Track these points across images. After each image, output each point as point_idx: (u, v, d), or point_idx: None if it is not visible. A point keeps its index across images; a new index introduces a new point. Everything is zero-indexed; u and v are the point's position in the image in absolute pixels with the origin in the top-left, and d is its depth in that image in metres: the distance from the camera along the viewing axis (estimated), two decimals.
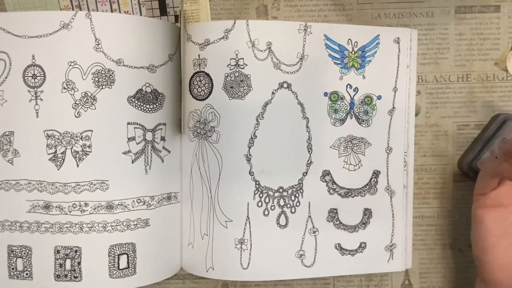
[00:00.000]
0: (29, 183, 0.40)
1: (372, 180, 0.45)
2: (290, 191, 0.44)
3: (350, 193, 0.45)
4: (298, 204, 0.44)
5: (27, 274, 0.40)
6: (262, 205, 0.43)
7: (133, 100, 0.41)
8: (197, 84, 0.43)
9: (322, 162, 0.44)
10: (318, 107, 0.44)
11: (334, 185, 0.45)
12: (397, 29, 0.45)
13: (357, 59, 0.44)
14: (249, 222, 0.43)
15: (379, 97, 0.45)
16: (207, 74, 0.43)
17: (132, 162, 0.41)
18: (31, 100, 0.39)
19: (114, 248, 0.41)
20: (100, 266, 0.40)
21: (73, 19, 0.39)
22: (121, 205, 0.41)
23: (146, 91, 0.41)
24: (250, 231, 0.43)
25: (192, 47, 0.43)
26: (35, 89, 0.39)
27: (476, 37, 0.45)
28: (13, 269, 0.40)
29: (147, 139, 0.41)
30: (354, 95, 0.44)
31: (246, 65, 0.42)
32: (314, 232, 0.45)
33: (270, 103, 0.43)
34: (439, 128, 0.46)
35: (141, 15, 0.45)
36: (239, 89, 0.42)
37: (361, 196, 0.45)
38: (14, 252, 0.40)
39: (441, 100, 0.46)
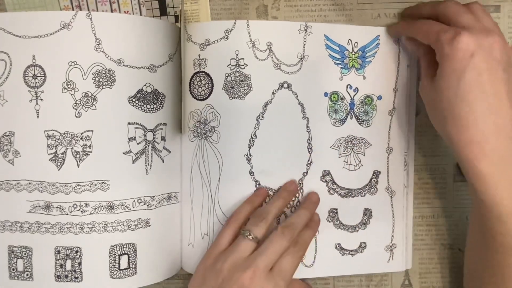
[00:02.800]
0: (29, 184, 0.40)
1: (373, 180, 0.45)
2: None
3: (350, 193, 0.45)
4: (298, 204, 0.44)
5: (27, 274, 0.40)
6: (262, 205, 0.43)
7: (134, 100, 0.41)
8: (197, 84, 0.43)
9: (322, 162, 0.44)
10: (318, 107, 0.44)
11: (334, 185, 0.44)
12: None
13: (357, 60, 0.44)
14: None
15: (379, 97, 0.44)
16: (208, 74, 0.43)
17: (133, 162, 0.41)
18: (31, 100, 0.39)
19: (115, 248, 0.40)
20: (100, 267, 0.40)
21: (73, 19, 0.39)
22: (122, 205, 0.41)
23: (146, 91, 0.41)
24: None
25: (192, 47, 0.43)
26: (36, 89, 0.39)
27: None
28: (13, 269, 0.40)
29: (147, 139, 0.41)
30: (354, 95, 0.44)
31: (247, 65, 0.42)
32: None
33: (271, 103, 0.43)
34: None
35: (141, 15, 0.45)
36: (240, 89, 0.42)
37: (361, 196, 0.45)
38: (14, 253, 0.40)
39: None
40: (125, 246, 0.41)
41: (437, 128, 0.38)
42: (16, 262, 0.40)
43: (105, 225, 0.40)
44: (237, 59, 0.42)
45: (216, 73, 0.42)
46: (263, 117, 0.43)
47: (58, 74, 0.39)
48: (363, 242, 0.45)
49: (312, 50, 0.43)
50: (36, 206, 0.40)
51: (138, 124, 0.41)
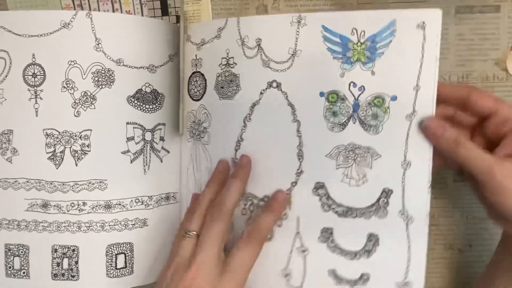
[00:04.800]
0: (27, 182, 0.40)
1: (381, 200, 0.38)
2: None
3: (350, 212, 0.38)
4: (285, 217, 0.40)
5: (24, 272, 0.40)
6: (246, 213, 0.41)
7: (133, 100, 0.41)
8: (193, 85, 0.43)
9: (315, 172, 0.38)
10: (312, 109, 0.38)
11: (330, 200, 0.38)
12: (421, 11, 0.36)
13: (365, 52, 0.37)
14: (233, 230, 0.40)
15: (393, 98, 0.37)
16: (202, 74, 0.42)
17: (131, 162, 0.41)
18: (30, 99, 0.39)
19: (112, 247, 0.40)
20: (97, 266, 0.40)
21: (73, 18, 0.39)
22: (119, 204, 0.40)
23: (145, 91, 0.41)
24: (233, 240, 0.39)
25: (191, 47, 0.43)
26: (35, 88, 0.39)
27: (476, 37, 0.45)
28: (10, 267, 0.40)
29: (146, 139, 0.41)
30: (359, 95, 0.38)
31: (236, 64, 0.40)
32: (303, 251, 0.39)
33: (258, 103, 0.40)
34: None
35: (142, 15, 0.45)
36: (229, 89, 0.40)
37: (364, 218, 0.38)
38: (11, 251, 0.40)
39: None
40: (122, 245, 0.41)
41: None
42: (13, 260, 0.40)
43: (102, 224, 0.40)
44: (227, 58, 0.40)
45: (209, 73, 0.41)
46: (250, 118, 0.40)
47: (58, 73, 0.39)
48: (365, 274, 0.38)
49: (305, 44, 0.38)
50: (34, 205, 0.40)
51: (136, 124, 0.41)
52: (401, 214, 0.37)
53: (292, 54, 0.39)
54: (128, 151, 0.41)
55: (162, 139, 0.43)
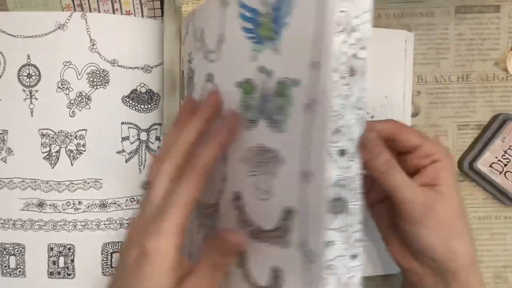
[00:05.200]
0: (23, 181, 0.40)
1: (283, 223, 0.26)
2: (209, 211, 0.33)
3: (259, 234, 0.28)
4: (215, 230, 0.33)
5: (20, 271, 0.41)
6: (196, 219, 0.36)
7: (128, 100, 0.41)
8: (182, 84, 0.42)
9: (233, 179, 0.30)
10: (231, 103, 0.30)
11: (245, 215, 0.29)
12: None
13: (269, 25, 0.27)
14: (193, 238, 0.36)
15: (295, 83, 0.25)
16: (182, 73, 0.41)
17: (126, 162, 0.41)
18: (25, 99, 0.40)
19: (107, 246, 0.41)
20: (93, 264, 0.41)
21: (68, 19, 0.39)
22: (115, 203, 0.41)
23: (140, 91, 0.41)
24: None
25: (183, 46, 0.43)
26: (30, 88, 0.40)
27: (476, 37, 0.44)
28: (5, 266, 0.41)
29: (141, 139, 0.42)
30: (268, 82, 0.27)
31: (193, 58, 0.36)
32: (227, 274, 0.31)
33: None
34: (439, 128, 0.46)
35: (142, 15, 0.45)
36: (189, 86, 0.37)
37: (270, 244, 0.27)
38: (7, 250, 0.41)
39: (441, 100, 0.45)
40: (117, 244, 0.41)
41: (439, 243, 0.31)
42: (9, 259, 0.41)
43: (97, 223, 0.40)
44: (190, 53, 0.37)
45: (184, 71, 0.40)
46: None
47: (53, 73, 0.40)
48: None
49: (228, 26, 0.31)
50: (29, 204, 0.40)
51: (131, 124, 0.41)
52: (301, 248, 0.25)
53: (219, 41, 0.31)
54: (123, 150, 0.41)
55: (158, 139, 0.43)
